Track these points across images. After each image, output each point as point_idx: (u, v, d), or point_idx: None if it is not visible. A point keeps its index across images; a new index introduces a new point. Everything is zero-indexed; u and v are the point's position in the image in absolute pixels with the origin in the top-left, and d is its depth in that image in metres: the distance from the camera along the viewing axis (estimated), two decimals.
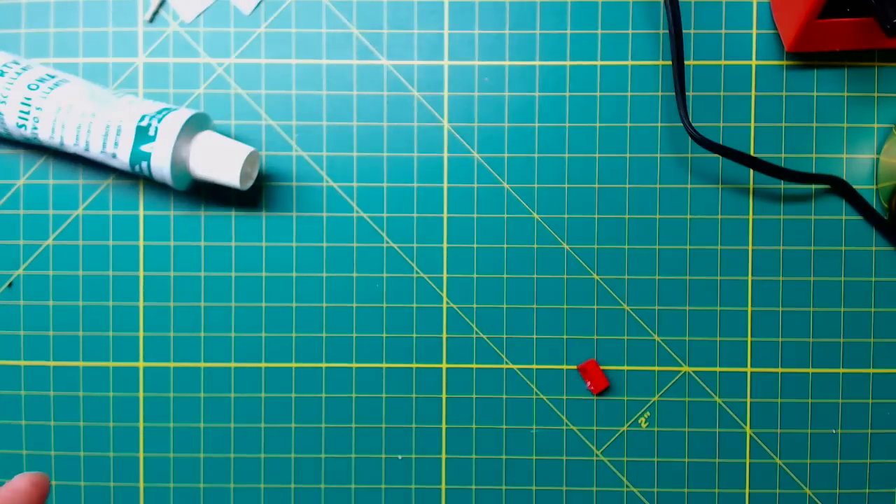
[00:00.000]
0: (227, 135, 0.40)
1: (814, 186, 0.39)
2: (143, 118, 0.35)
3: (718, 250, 0.39)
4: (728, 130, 0.39)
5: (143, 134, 0.35)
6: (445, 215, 0.40)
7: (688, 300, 0.39)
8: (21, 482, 0.24)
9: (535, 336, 0.39)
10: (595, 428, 0.40)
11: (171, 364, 0.40)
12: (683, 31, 0.39)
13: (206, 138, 0.36)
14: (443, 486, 0.40)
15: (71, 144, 0.36)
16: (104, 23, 0.40)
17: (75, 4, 0.40)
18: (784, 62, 0.39)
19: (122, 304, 0.40)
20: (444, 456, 0.40)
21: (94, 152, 0.36)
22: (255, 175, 0.38)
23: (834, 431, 0.39)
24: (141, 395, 0.40)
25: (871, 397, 0.39)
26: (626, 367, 0.39)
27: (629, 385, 0.40)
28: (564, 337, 0.39)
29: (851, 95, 0.39)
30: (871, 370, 0.39)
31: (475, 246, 0.40)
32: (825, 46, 0.38)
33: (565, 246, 0.39)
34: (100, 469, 0.40)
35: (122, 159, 0.35)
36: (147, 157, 0.35)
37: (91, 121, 0.35)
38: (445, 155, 0.40)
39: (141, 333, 0.40)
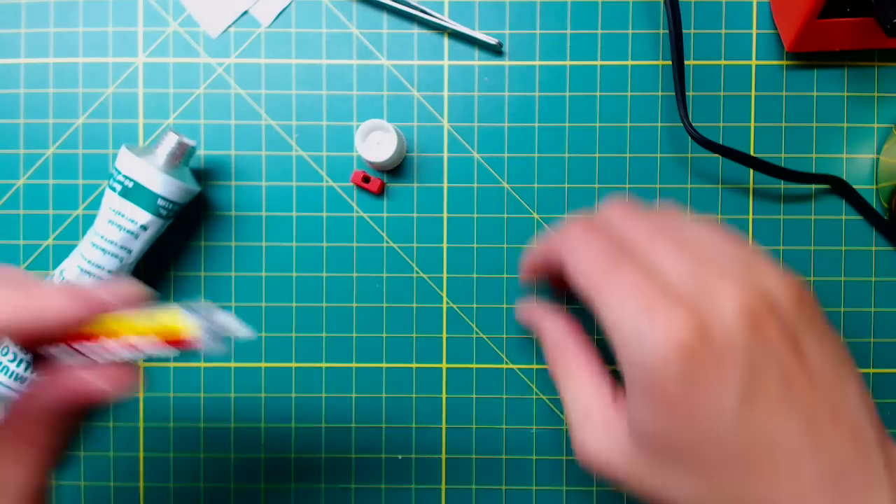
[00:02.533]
0: (227, 137, 0.40)
1: (814, 186, 0.39)
2: None
3: None
4: (728, 130, 0.39)
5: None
6: (445, 215, 0.40)
7: None
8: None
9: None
10: None
11: (172, 364, 0.40)
12: (683, 31, 0.39)
13: None
14: (443, 486, 0.40)
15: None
16: (104, 23, 0.40)
17: (75, 4, 0.40)
18: (784, 62, 0.39)
19: None
20: (444, 456, 0.40)
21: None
22: None
23: None
24: (141, 395, 0.40)
25: (872, 397, 0.39)
26: None
27: None
28: None
29: (851, 95, 0.39)
30: (871, 370, 0.39)
31: (475, 246, 0.40)
32: (825, 46, 0.38)
33: None
34: (100, 469, 0.40)
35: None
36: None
37: None
38: (445, 155, 0.40)
39: None
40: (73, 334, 0.24)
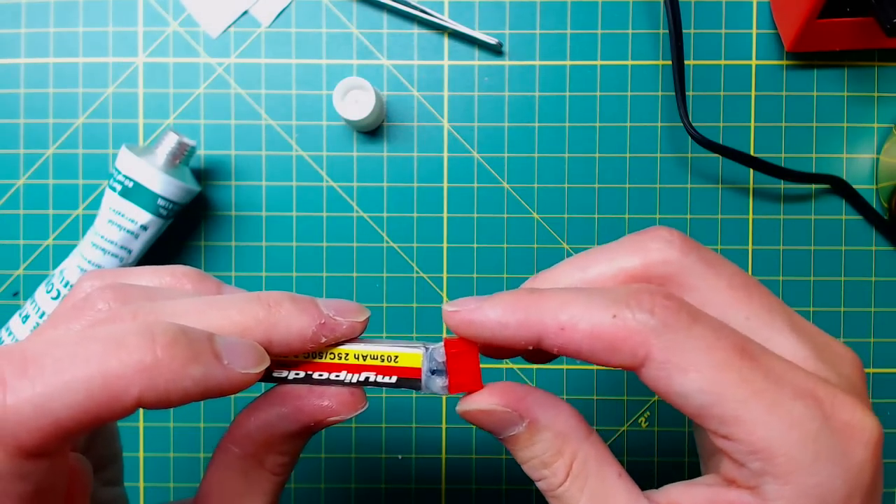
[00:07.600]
0: (227, 137, 0.40)
1: (814, 186, 0.39)
2: None
3: (718, 250, 0.39)
4: (728, 130, 0.39)
5: None
6: (445, 215, 0.40)
7: None
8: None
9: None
10: (595, 428, 0.40)
11: None
12: (683, 31, 0.39)
13: None
14: (443, 486, 0.40)
15: None
16: (104, 23, 0.40)
17: (75, 4, 0.40)
18: (784, 62, 0.39)
19: None
20: (444, 456, 0.40)
21: None
22: None
23: None
24: None
25: (872, 397, 0.39)
26: None
27: (629, 385, 0.40)
28: None
29: (851, 95, 0.39)
30: (871, 370, 0.39)
31: (475, 246, 0.40)
32: (825, 46, 0.38)
33: (565, 246, 0.39)
34: None
35: None
36: None
37: None
38: (445, 155, 0.40)
39: None
40: (301, 354, 0.22)
